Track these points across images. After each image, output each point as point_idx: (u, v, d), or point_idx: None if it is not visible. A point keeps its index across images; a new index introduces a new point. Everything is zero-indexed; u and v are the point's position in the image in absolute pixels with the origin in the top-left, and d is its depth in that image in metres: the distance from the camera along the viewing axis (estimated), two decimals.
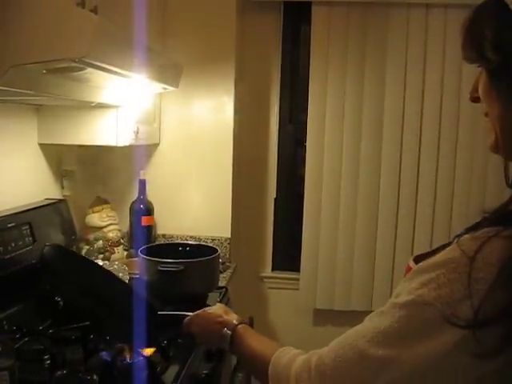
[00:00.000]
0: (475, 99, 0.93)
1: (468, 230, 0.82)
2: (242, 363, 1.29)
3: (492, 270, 0.75)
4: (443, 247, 0.87)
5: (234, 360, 1.96)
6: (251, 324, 1.40)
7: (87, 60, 1.39)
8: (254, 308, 3.19)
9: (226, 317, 1.34)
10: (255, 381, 1.74)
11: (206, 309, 1.45)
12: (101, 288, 1.66)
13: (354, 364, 0.86)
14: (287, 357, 1.02)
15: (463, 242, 0.80)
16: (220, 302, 2.25)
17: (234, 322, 1.31)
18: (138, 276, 2.25)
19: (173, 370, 1.57)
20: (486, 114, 0.91)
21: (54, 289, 1.78)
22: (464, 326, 0.75)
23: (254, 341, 1.22)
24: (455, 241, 0.82)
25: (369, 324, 0.87)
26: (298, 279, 3.15)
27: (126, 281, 2.22)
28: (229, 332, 1.28)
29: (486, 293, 0.75)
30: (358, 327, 0.89)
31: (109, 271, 1.97)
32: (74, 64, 1.40)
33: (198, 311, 1.47)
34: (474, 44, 0.87)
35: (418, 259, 1.02)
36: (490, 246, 0.77)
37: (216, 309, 1.41)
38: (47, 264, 1.84)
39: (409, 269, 1.02)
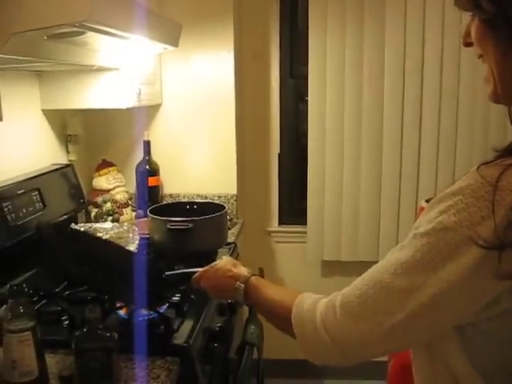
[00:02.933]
0: (468, 44, 0.94)
1: (483, 164, 0.84)
2: (259, 313, 1.30)
3: (510, 193, 0.78)
4: None
5: (246, 313, 2.00)
6: (262, 275, 1.42)
7: (88, 24, 1.39)
8: (262, 262, 3.21)
9: (235, 270, 1.35)
10: (267, 332, 1.80)
11: (214, 264, 1.45)
12: (100, 257, 1.66)
13: (380, 297, 0.89)
14: (309, 301, 1.04)
15: (479, 170, 0.83)
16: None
17: (246, 274, 1.31)
18: (147, 236, 2.29)
19: (188, 325, 1.60)
20: (480, 57, 0.92)
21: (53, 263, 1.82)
22: (486, 246, 0.79)
23: (270, 290, 1.23)
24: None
25: (390, 258, 0.90)
26: (304, 232, 3.19)
27: (137, 242, 2.25)
28: (242, 285, 1.29)
29: (506, 215, 0.78)
30: (382, 262, 0.92)
31: (105, 240, 1.99)
32: (75, 28, 1.40)
33: (205, 267, 1.47)
34: None
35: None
36: (507, 172, 0.79)
37: (224, 263, 1.42)
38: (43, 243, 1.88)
39: (421, 209, 1.04)
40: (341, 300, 0.95)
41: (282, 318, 1.09)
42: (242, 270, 1.35)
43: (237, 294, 1.30)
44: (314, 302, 1.03)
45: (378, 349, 0.95)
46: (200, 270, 1.50)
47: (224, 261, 1.45)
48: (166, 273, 1.65)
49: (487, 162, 0.83)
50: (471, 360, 0.88)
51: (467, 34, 0.93)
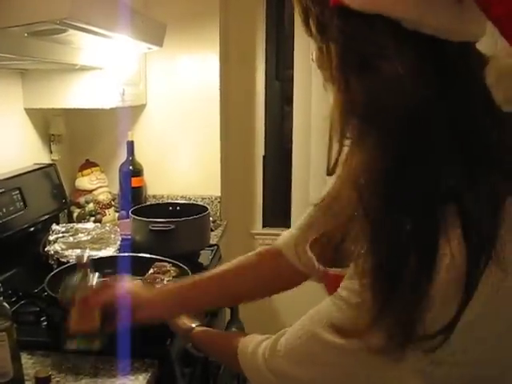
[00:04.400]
0: None
1: None
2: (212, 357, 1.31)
3: None
4: None
5: (227, 315, 1.99)
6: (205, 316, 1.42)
7: (69, 21, 1.37)
8: None
9: (179, 324, 1.33)
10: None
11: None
12: None
13: (316, 351, 0.87)
14: (253, 344, 1.03)
15: None
16: (212, 259, 2.28)
17: (188, 329, 1.30)
18: (129, 237, 2.27)
19: (167, 326, 1.59)
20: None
21: None
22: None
23: (215, 340, 1.25)
24: None
25: (325, 310, 0.88)
26: None
27: (118, 242, 2.24)
28: (189, 344, 1.30)
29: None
30: (317, 312, 0.90)
31: None
32: (56, 26, 1.39)
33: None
34: (302, 11, 0.83)
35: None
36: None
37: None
38: None
39: None
40: (284, 344, 0.94)
41: (231, 361, 1.10)
42: (183, 326, 1.32)
43: None
44: (256, 344, 1.02)
45: None
46: None
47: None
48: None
49: None
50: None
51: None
